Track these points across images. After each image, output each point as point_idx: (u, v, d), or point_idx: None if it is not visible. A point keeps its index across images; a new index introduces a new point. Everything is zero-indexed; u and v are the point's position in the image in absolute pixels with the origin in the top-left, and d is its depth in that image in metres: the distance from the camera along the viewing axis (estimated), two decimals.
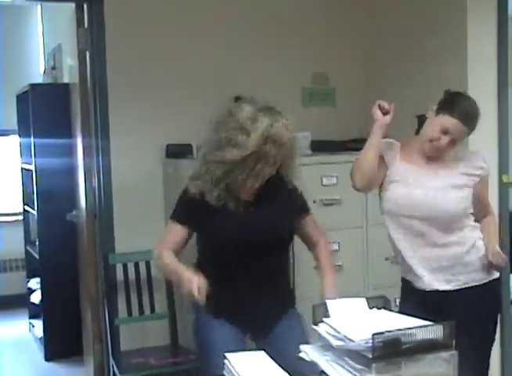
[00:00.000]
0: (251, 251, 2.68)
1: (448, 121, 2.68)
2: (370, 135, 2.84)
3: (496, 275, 2.82)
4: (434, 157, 2.79)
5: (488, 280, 2.79)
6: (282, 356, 2.11)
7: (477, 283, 2.77)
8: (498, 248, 2.74)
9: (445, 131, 2.69)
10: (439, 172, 2.78)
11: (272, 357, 2.05)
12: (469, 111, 2.72)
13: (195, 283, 2.49)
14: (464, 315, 2.59)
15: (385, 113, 2.83)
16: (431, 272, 2.78)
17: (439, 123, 2.70)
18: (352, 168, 2.88)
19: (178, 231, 2.77)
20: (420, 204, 2.74)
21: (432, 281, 2.78)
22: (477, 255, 2.77)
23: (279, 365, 1.96)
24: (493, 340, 2.89)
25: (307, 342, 2.44)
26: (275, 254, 2.78)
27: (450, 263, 2.75)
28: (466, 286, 2.77)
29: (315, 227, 2.91)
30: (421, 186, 2.77)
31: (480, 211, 2.85)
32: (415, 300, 2.78)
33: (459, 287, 2.77)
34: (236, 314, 2.73)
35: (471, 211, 2.80)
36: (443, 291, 2.77)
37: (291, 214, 2.82)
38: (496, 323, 2.90)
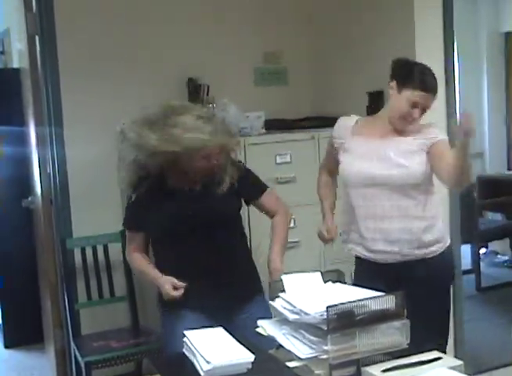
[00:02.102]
0: (199, 230, 2.76)
1: (416, 94, 2.72)
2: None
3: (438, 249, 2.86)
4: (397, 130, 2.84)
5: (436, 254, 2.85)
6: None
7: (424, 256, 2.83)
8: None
9: (414, 105, 2.74)
10: (392, 141, 2.81)
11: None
12: (430, 80, 2.78)
13: (168, 284, 2.69)
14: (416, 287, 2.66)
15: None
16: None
17: (406, 98, 2.73)
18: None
19: (135, 237, 2.93)
20: (375, 174, 2.79)
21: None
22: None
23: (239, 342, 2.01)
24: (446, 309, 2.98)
25: None
26: (226, 233, 2.84)
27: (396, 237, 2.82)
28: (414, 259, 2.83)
29: (274, 201, 3.01)
30: (374, 156, 2.81)
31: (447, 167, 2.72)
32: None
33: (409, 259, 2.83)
34: (199, 301, 2.75)
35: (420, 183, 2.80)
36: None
37: (239, 196, 2.92)
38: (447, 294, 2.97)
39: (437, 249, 2.86)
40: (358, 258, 2.97)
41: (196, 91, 4.12)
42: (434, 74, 2.81)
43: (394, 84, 2.78)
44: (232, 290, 2.79)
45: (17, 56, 4.86)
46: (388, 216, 2.80)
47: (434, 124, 2.89)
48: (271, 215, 3.01)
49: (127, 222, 2.96)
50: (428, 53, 3.76)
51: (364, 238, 2.87)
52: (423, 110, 2.78)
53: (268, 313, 2.73)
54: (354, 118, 2.98)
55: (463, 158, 2.58)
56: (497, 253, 6.78)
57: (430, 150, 2.77)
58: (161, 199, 2.80)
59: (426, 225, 2.82)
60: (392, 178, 2.77)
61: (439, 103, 3.79)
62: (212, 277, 2.77)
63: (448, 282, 3.00)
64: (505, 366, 4.04)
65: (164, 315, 2.87)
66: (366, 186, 2.81)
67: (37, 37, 3.88)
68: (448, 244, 2.92)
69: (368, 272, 2.85)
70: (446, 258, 2.93)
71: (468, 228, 5.31)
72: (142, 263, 2.90)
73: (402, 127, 2.81)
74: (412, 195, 2.79)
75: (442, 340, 2.90)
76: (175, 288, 2.70)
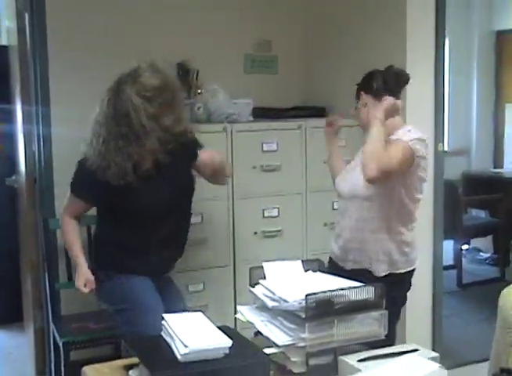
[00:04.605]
0: (163, 212, 2.88)
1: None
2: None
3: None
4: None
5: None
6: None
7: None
8: None
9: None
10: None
11: None
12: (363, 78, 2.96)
13: (82, 279, 2.93)
14: None
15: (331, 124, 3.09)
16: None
17: None
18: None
19: (79, 204, 2.99)
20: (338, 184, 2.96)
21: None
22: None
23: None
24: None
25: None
26: (184, 207, 3.01)
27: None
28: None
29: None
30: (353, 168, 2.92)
31: None
32: None
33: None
34: (146, 264, 2.92)
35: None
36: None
37: (188, 167, 2.99)
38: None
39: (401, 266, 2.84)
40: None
41: (185, 75, 4.09)
42: (370, 74, 2.94)
43: None
44: (172, 256, 3.05)
45: (6, 33, 4.82)
46: (356, 228, 2.84)
47: (407, 128, 2.89)
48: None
49: (77, 187, 2.97)
50: (419, 47, 3.78)
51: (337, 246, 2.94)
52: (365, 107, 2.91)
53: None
54: None
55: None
56: (479, 250, 6.83)
57: None
58: (133, 182, 2.81)
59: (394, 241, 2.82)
60: (349, 187, 2.87)
61: (427, 99, 3.83)
62: (167, 250, 2.95)
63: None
64: (483, 361, 4.06)
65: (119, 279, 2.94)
66: (340, 196, 2.94)
67: (26, 15, 3.84)
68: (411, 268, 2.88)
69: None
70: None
71: (452, 224, 5.34)
72: (73, 236, 3.01)
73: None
74: (372, 207, 2.79)
75: None
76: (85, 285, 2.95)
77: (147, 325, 2.64)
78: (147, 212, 2.85)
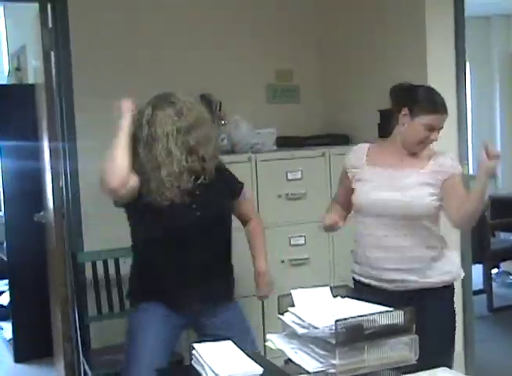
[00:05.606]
0: (196, 232, 2.78)
1: (431, 118, 2.72)
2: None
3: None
4: (411, 154, 2.82)
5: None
6: None
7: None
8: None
9: (431, 129, 2.73)
10: (406, 171, 2.78)
11: None
12: (439, 100, 2.77)
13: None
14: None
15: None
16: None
17: (422, 124, 2.72)
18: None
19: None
20: (390, 203, 2.76)
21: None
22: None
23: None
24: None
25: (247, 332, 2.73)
26: (217, 235, 2.87)
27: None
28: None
29: (251, 206, 3.09)
30: (389, 186, 2.78)
31: (457, 205, 2.69)
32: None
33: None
34: (178, 297, 2.78)
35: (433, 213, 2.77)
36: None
37: (226, 195, 2.91)
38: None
39: (449, 279, 2.82)
40: (364, 285, 2.92)
41: (208, 107, 4.13)
42: (439, 93, 2.80)
43: (406, 110, 2.75)
44: (209, 291, 2.82)
45: (33, 73, 4.92)
46: (399, 246, 2.76)
47: (448, 154, 2.84)
48: (244, 217, 3.04)
49: None
50: (440, 71, 3.78)
51: (374, 268, 2.84)
52: (438, 131, 2.77)
53: (242, 320, 2.91)
54: (365, 147, 2.93)
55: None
56: (509, 273, 6.75)
57: (443, 185, 2.73)
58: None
59: (437, 255, 2.78)
60: (404, 208, 2.72)
61: (451, 122, 3.81)
62: (195, 277, 2.80)
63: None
64: None
65: (137, 310, 2.85)
66: (379, 215, 2.77)
67: (52, 53, 3.93)
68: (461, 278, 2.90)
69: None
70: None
71: (480, 248, 5.30)
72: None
73: (419, 150, 2.80)
74: (424, 225, 2.75)
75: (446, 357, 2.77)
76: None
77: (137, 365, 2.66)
78: (170, 234, 2.77)
